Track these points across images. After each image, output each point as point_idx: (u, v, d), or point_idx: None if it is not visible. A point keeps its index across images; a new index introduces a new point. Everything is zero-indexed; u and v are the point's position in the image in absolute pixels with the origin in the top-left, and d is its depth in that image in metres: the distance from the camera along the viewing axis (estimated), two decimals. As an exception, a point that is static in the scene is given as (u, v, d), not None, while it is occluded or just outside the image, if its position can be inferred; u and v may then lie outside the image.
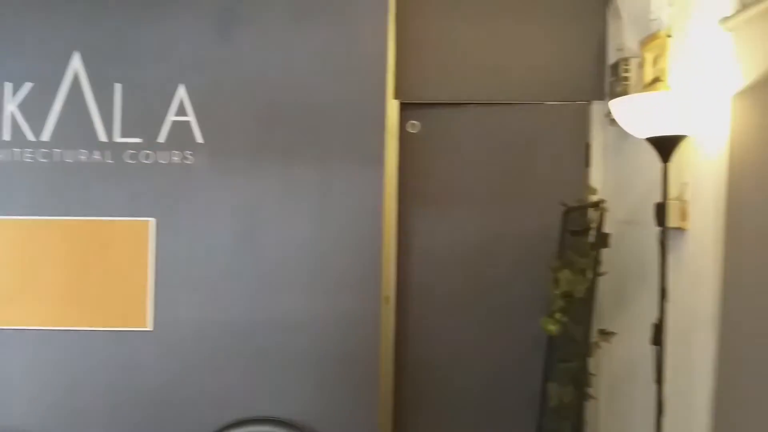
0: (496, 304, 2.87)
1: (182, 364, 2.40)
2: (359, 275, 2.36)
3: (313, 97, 2.39)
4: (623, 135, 2.20)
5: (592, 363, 2.51)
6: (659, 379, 1.95)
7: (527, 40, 2.86)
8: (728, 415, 1.74)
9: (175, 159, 2.41)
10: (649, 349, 2.04)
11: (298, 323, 2.37)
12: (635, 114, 1.89)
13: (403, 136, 2.86)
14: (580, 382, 2.38)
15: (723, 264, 1.80)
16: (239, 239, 2.40)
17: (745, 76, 1.73)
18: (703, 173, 1.93)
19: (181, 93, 2.41)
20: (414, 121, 2.89)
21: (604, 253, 2.47)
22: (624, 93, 2.41)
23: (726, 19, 1.81)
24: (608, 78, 2.72)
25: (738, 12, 1.76)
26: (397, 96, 2.80)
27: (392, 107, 2.75)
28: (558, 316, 2.36)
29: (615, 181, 2.71)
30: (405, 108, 2.85)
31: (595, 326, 2.53)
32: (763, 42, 1.64)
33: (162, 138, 2.41)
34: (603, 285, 2.61)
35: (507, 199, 2.90)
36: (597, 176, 2.83)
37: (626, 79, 2.45)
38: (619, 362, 2.59)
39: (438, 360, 2.89)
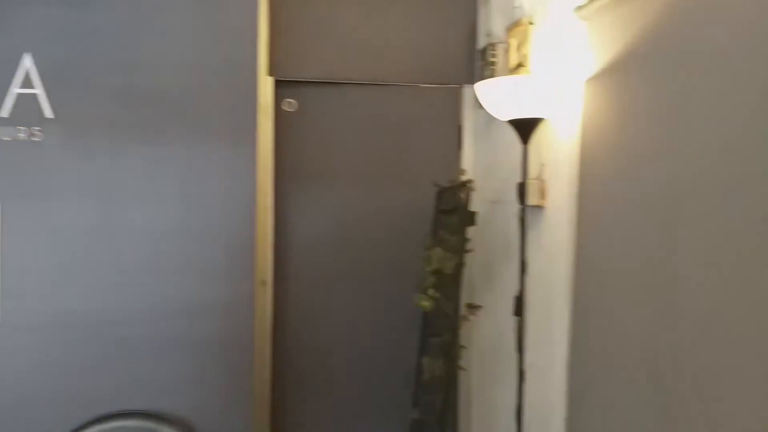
0: (374, 283, 2.91)
1: (36, 358, 2.21)
2: (232, 259, 2.28)
3: (178, 71, 2.25)
4: (491, 118, 2.29)
5: (463, 336, 2.62)
6: (520, 348, 2.08)
7: (403, 22, 2.89)
8: (580, 378, 1.88)
9: (21, 135, 2.18)
10: (513, 320, 2.16)
11: (165, 311, 2.25)
12: (497, 97, 1.96)
13: (279, 114, 2.80)
14: (451, 355, 2.48)
15: (576, 239, 1.94)
16: (98, 223, 2.22)
17: (597, 63, 1.85)
18: (559, 154, 2.06)
19: (27, 63, 2.18)
20: (290, 100, 2.83)
21: (475, 230, 2.57)
22: (491, 77, 2.51)
23: (580, 8, 1.92)
24: (478, 62, 2.82)
25: (590, 1, 1.88)
26: (271, 73, 2.73)
27: (266, 84, 2.67)
28: (431, 292, 2.43)
29: (484, 162, 2.83)
30: (280, 85, 2.78)
31: (466, 301, 2.65)
32: (612, 30, 1.76)
33: (5, 112, 2.17)
34: (474, 261, 2.73)
35: (384, 179, 2.93)
36: (468, 157, 2.93)
37: (493, 63, 2.54)
38: (487, 334, 2.73)
39: (317, 341, 2.89)
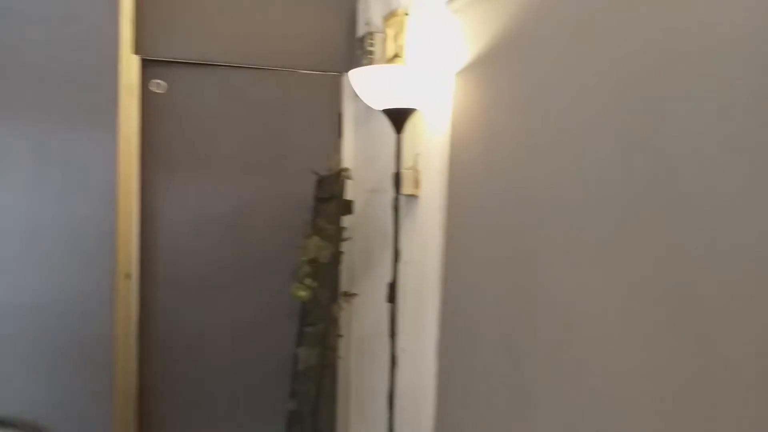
0: (252, 274, 2.82)
1: None
2: (89, 250, 2.11)
3: (25, 46, 2.04)
4: (370, 107, 2.29)
5: (342, 324, 2.61)
6: (392, 334, 2.11)
7: (283, 4, 2.81)
8: (448, 360, 1.94)
9: None
10: (387, 307, 2.19)
11: (11, 306, 2.05)
12: (371, 86, 1.96)
13: (146, 96, 2.62)
14: (327, 344, 2.47)
15: (445, 227, 1.99)
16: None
17: (467, 55, 1.90)
18: (432, 144, 2.10)
19: None
20: (159, 81, 2.67)
21: (355, 219, 2.57)
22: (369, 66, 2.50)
23: (451, 1, 1.96)
24: (357, 51, 2.81)
25: (461, -5, 1.92)
26: (138, 51, 2.55)
27: (131, 63, 2.49)
28: (308, 281, 2.40)
29: (364, 151, 2.83)
30: (148, 65, 2.60)
31: (345, 289, 2.64)
32: (481, 24, 1.81)
33: None
34: (354, 249, 2.73)
35: (262, 166, 2.85)
36: (349, 146, 2.92)
37: (371, 53, 2.54)
38: (364, 322, 2.75)
39: (190, 335, 2.76)
